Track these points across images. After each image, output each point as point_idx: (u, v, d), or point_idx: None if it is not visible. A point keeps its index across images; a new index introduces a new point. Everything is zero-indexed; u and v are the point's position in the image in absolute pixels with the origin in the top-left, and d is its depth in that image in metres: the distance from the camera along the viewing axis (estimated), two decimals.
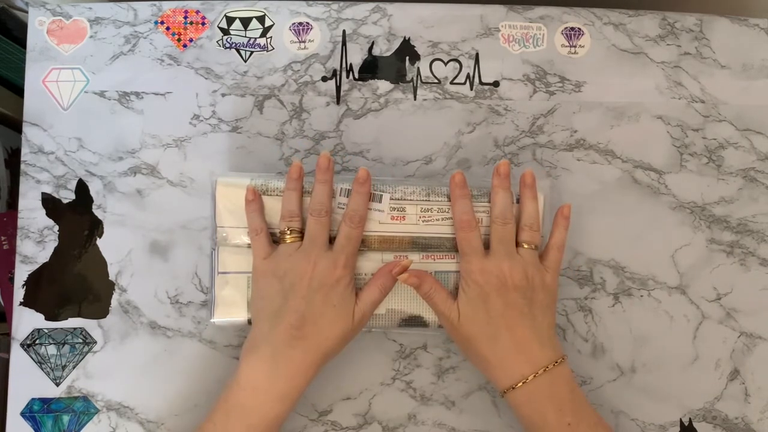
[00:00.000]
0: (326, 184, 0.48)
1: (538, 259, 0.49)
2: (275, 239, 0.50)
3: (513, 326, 0.46)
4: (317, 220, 0.47)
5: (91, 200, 0.55)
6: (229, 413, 0.45)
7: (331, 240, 0.48)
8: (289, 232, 0.48)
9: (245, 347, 0.47)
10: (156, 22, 0.57)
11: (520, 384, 0.45)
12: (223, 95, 0.57)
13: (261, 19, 0.58)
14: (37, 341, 0.53)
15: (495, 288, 0.47)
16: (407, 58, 0.58)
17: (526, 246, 0.49)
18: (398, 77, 0.58)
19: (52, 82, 0.56)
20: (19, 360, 0.52)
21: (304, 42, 0.58)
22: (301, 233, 0.48)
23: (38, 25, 0.57)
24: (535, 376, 0.45)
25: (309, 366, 0.46)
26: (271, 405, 0.45)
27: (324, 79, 0.57)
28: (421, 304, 0.50)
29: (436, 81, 0.58)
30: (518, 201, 0.51)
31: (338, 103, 0.57)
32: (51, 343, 0.53)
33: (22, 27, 0.69)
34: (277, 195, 0.50)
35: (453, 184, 0.49)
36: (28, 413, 0.52)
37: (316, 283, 0.46)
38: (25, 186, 0.55)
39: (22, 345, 0.53)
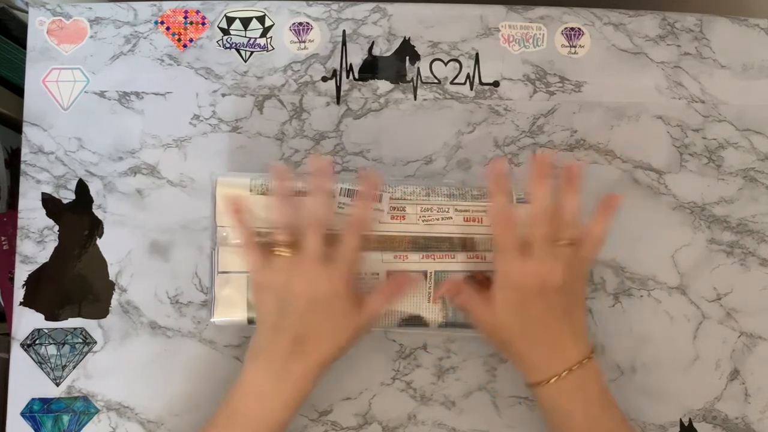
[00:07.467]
0: (323, 193, 0.46)
1: (576, 256, 0.47)
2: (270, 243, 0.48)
3: (552, 327, 0.46)
4: (313, 232, 0.45)
5: (91, 200, 0.55)
6: (232, 418, 0.45)
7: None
8: (284, 245, 0.46)
9: (249, 352, 0.47)
10: (156, 22, 0.57)
11: (554, 379, 0.45)
12: (223, 95, 0.57)
13: (261, 19, 0.58)
14: (37, 341, 0.53)
15: (536, 292, 0.45)
16: (407, 58, 0.58)
17: (565, 243, 0.46)
18: (398, 77, 0.58)
19: (52, 82, 0.56)
20: (19, 360, 0.52)
21: (304, 42, 0.58)
22: (297, 244, 0.46)
23: (38, 25, 0.57)
24: (568, 372, 0.45)
25: (310, 376, 0.46)
26: (274, 411, 0.45)
27: (324, 79, 0.57)
28: (421, 304, 0.50)
29: (436, 81, 0.58)
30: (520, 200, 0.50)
31: (338, 103, 0.57)
32: (51, 343, 0.53)
33: (22, 27, 0.69)
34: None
35: (491, 176, 0.47)
36: (28, 413, 0.52)
37: (312, 300, 0.45)
38: (25, 186, 0.55)
39: (22, 345, 0.53)
